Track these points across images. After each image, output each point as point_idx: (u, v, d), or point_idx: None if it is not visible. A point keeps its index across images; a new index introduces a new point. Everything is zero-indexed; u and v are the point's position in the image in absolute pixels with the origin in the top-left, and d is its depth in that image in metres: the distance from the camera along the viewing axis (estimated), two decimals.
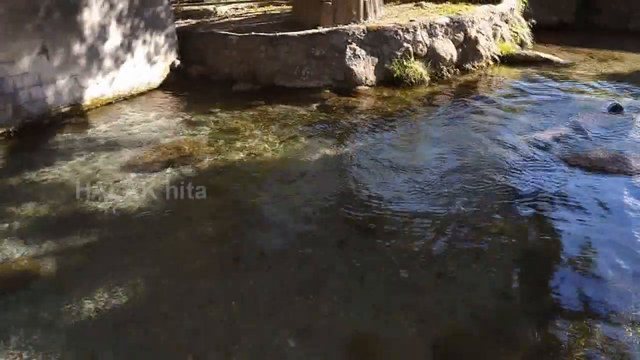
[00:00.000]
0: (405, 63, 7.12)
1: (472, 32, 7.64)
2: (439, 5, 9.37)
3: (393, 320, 2.98)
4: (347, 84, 7.00)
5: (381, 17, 8.47)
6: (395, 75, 7.10)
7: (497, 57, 8.01)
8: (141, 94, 7.25)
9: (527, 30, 9.26)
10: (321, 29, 7.10)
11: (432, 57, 7.35)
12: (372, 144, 5.45)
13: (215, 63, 7.80)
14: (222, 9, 11.65)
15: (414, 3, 9.87)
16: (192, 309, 3.14)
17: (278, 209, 4.27)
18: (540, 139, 5.03)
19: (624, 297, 3.00)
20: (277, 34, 7.17)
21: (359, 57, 7.03)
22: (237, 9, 11.81)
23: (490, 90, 6.89)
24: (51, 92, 6.00)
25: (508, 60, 8.03)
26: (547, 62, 7.90)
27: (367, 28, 7.09)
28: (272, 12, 10.38)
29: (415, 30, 7.21)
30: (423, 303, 3.12)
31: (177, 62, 7.80)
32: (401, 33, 7.13)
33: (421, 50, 7.26)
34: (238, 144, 5.59)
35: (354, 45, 7.00)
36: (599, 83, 6.90)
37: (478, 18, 7.78)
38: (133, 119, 6.41)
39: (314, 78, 7.07)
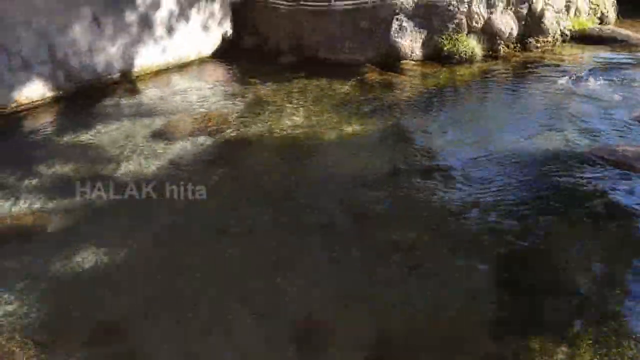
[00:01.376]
0: (456, 37, 6.69)
1: (539, 5, 6.97)
2: None
3: (351, 309, 2.90)
4: (391, 59, 6.72)
5: None
6: (444, 50, 6.70)
7: (567, 33, 7.27)
8: (193, 63, 7.47)
9: (611, 2, 8.29)
10: (367, 1, 6.83)
11: (488, 31, 6.82)
12: (397, 126, 5.22)
13: (266, 34, 7.83)
14: None
15: None
16: (164, 276, 3.26)
17: (277, 185, 4.26)
18: (579, 131, 4.52)
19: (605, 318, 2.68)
20: (322, 5, 7.02)
21: (406, 29, 6.70)
22: None
23: (548, 73, 6.28)
24: (102, 59, 6.36)
25: (580, 37, 7.26)
26: (625, 41, 7.03)
27: None
28: None
29: (471, 1, 6.71)
30: (387, 295, 3.00)
31: (231, 32, 7.92)
32: (455, 4, 6.68)
33: (477, 23, 6.76)
34: (266, 117, 5.62)
35: (401, 17, 6.68)
36: None
37: None
38: (178, 88, 6.65)
39: (357, 51, 6.87)
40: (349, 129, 5.22)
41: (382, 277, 3.16)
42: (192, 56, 7.42)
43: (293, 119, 5.55)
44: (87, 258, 3.43)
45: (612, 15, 8.20)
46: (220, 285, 3.15)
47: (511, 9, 6.89)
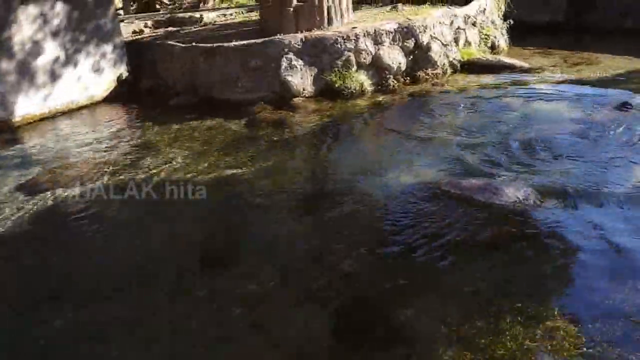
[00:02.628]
0: (345, 73, 6.76)
1: (425, 39, 7.18)
2: (416, 8, 8.93)
3: None
4: (283, 96, 6.72)
5: (348, 22, 8.13)
6: (335, 86, 6.76)
7: (457, 64, 7.51)
8: (84, 107, 7.25)
9: (503, 32, 8.68)
10: (257, 40, 6.85)
11: (377, 66, 6.96)
12: (275, 167, 5.11)
13: (164, 75, 7.71)
14: (210, 16, 11.59)
15: (390, 6, 9.47)
16: None
17: (134, 237, 4.08)
18: (436, 164, 4.56)
19: None
20: (214, 44, 6.99)
21: (296, 67, 6.73)
22: (225, 15, 11.75)
23: (432, 103, 6.43)
24: None
25: (469, 66, 7.52)
26: (510, 68, 7.34)
27: (304, 37, 6.78)
28: (255, 18, 10.18)
29: (358, 38, 6.83)
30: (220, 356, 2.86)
31: (126, 75, 7.76)
32: (341, 41, 6.78)
33: (364, 59, 6.87)
34: (146, 162, 5.44)
35: (290, 55, 6.71)
36: (555, 92, 6.28)
37: (433, 22, 7.30)
38: (61, 135, 6.40)
39: (250, 90, 6.84)
40: (228, 172, 5.11)
41: (218, 335, 3.01)
42: (83, 101, 7.20)
43: (174, 164, 5.40)
44: None
45: (503, 43, 8.57)
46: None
47: (398, 44, 7.05)
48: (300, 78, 6.76)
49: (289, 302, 3.24)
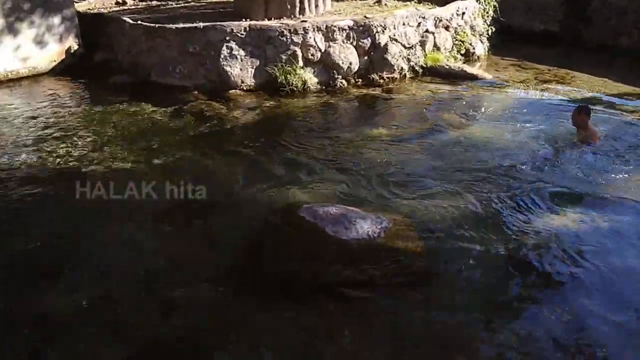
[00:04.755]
0: (289, 68, 6.33)
1: (382, 39, 6.66)
2: (402, 4, 8.40)
3: None
4: (220, 86, 6.35)
5: (323, 13, 7.68)
6: (277, 81, 6.34)
7: (418, 69, 6.98)
8: (25, 78, 7.04)
9: (483, 38, 8.07)
10: (199, 24, 6.45)
11: (325, 64, 6.50)
12: (167, 168, 4.72)
13: (116, 51, 7.42)
14: None
15: (374, 1, 8.95)
16: None
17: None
18: (312, 186, 4.13)
19: None
20: (156, 25, 6.64)
21: (237, 57, 6.33)
22: None
23: (369, 112, 5.99)
24: None
25: (431, 72, 6.98)
26: (473, 79, 6.77)
27: (248, 26, 6.36)
28: None
29: (306, 33, 6.37)
30: None
31: (76, 47, 7.49)
32: (288, 34, 6.33)
33: (312, 56, 6.42)
34: (50, 144, 5.22)
35: (232, 44, 6.31)
36: (500, 115, 5.69)
37: (395, 23, 6.76)
38: None
39: (187, 76, 6.49)
40: (118, 165, 4.77)
41: None
42: (23, 71, 6.99)
43: (76, 148, 5.14)
44: None
45: (480, 51, 7.96)
46: None
47: (352, 42, 6.57)
48: (240, 69, 6.36)
49: (91, 330, 2.92)
